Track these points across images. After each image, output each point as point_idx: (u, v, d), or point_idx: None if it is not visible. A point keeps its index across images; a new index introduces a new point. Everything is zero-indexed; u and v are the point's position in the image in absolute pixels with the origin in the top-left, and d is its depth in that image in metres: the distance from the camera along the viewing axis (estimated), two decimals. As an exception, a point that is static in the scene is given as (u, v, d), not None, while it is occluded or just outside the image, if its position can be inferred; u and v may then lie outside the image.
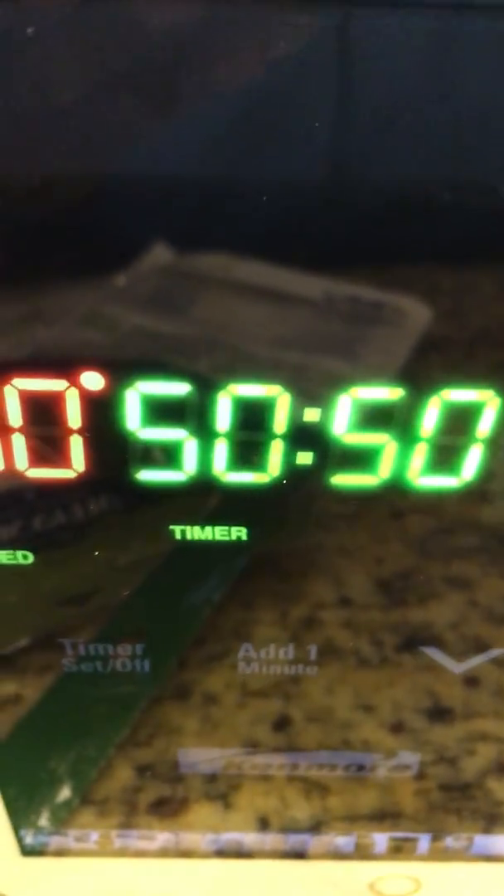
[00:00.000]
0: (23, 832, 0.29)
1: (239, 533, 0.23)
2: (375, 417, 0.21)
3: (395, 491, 0.22)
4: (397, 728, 0.29)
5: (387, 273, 0.20)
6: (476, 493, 0.24)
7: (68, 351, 0.21)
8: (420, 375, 0.21)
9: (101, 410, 0.21)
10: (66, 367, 0.20)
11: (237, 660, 0.27)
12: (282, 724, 0.28)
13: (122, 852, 0.30)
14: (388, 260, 0.20)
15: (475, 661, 0.27)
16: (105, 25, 0.17)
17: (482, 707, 0.29)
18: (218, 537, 0.23)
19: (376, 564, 0.27)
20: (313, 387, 0.21)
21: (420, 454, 0.21)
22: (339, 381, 0.21)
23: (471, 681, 0.28)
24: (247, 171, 0.19)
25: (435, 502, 0.24)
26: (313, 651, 0.27)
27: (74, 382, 0.20)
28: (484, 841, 0.30)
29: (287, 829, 0.29)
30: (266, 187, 0.19)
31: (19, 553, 0.24)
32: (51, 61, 0.18)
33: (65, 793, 0.27)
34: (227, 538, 0.23)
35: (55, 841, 0.30)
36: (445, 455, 0.22)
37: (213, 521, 0.23)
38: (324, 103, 0.18)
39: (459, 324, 0.21)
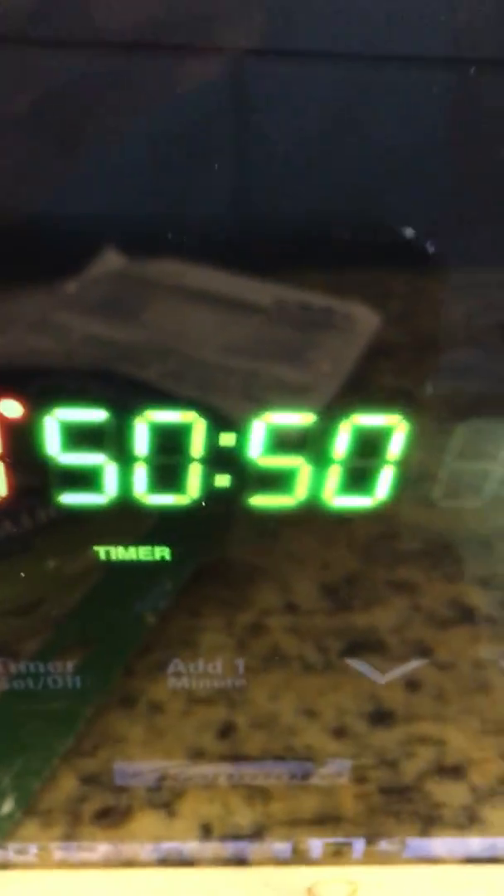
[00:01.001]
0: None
1: (162, 553, 0.24)
2: (289, 441, 0.22)
3: (312, 511, 0.23)
4: (339, 733, 0.29)
5: (335, 279, 0.21)
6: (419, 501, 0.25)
7: (19, 358, 0.22)
8: (332, 402, 0.21)
9: (21, 436, 0.21)
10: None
11: (180, 668, 0.28)
12: (226, 731, 0.29)
13: (64, 863, 0.30)
14: (333, 267, 0.21)
15: (397, 672, 0.28)
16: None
17: (421, 710, 0.30)
18: (142, 557, 0.24)
19: (322, 570, 0.27)
20: (228, 411, 0.21)
21: (334, 476, 0.22)
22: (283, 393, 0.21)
23: (410, 684, 0.29)
24: (160, 205, 0.20)
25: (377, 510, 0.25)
26: (257, 657, 0.28)
27: None
28: (417, 843, 0.31)
29: (228, 835, 0.30)
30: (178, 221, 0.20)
31: None
32: None
33: (8, 805, 0.27)
34: (150, 558, 0.24)
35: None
36: (359, 476, 0.22)
37: (137, 542, 0.23)
38: (223, 145, 0.19)
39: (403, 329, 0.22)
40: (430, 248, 0.19)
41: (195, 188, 0.19)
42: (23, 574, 0.26)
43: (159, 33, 0.17)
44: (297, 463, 0.22)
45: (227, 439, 0.21)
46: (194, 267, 0.21)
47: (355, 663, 0.28)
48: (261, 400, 0.22)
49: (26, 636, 0.27)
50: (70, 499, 0.22)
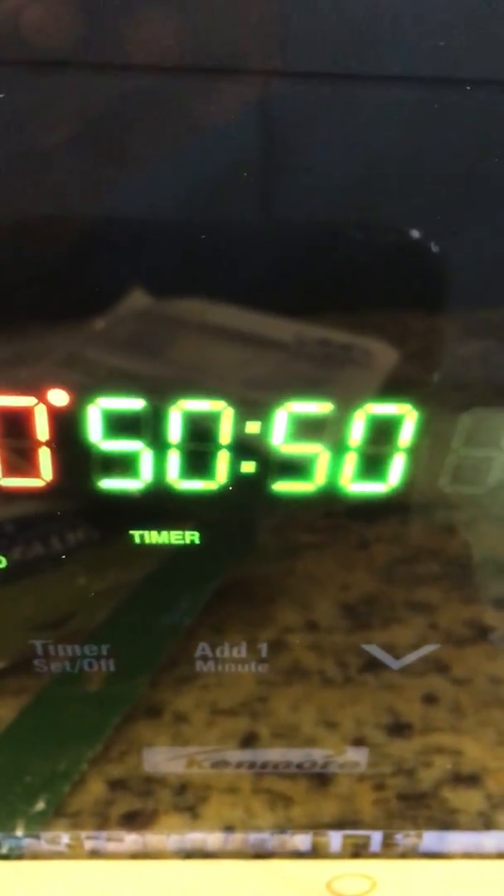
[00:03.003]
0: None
1: (192, 536, 0.25)
2: (309, 429, 0.23)
3: (330, 496, 0.24)
4: (358, 742, 0.31)
5: (355, 317, 0.22)
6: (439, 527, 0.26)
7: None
8: (347, 391, 0.23)
9: (66, 424, 0.23)
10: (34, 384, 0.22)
11: (206, 682, 0.29)
12: (249, 740, 0.30)
13: (93, 855, 0.32)
14: (355, 305, 0.22)
15: (412, 657, 0.29)
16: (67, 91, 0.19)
17: (438, 723, 0.31)
18: (173, 541, 0.25)
19: (342, 591, 0.29)
20: (254, 400, 0.23)
21: (350, 462, 0.24)
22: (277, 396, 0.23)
23: (428, 698, 0.31)
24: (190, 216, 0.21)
25: (398, 532, 0.27)
26: (277, 671, 0.29)
27: (42, 399, 0.22)
28: (433, 838, 0.32)
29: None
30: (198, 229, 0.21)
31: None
32: (26, 119, 0.20)
33: (39, 805, 0.29)
34: (181, 542, 0.25)
35: (29, 844, 0.32)
36: (373, 463, 0.24)
37: (169, 526, 0.25)
38: (251, 156, 0.20)
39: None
40: (434, 248, 0.20)
41: (225, 195, 0.20)
42: (56, 590, 0.28)
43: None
44: (316, 450, 0.23)
45: (252, 427, 0.23)
46: (217, 305, 0.22)
47: (371, 649, 0.29)
48: (252, 407, 0.23)
49: (58, 648, 0.29)
50: (109, 484, 0.24)
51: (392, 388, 0.23)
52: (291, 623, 0.29)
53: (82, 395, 0.22)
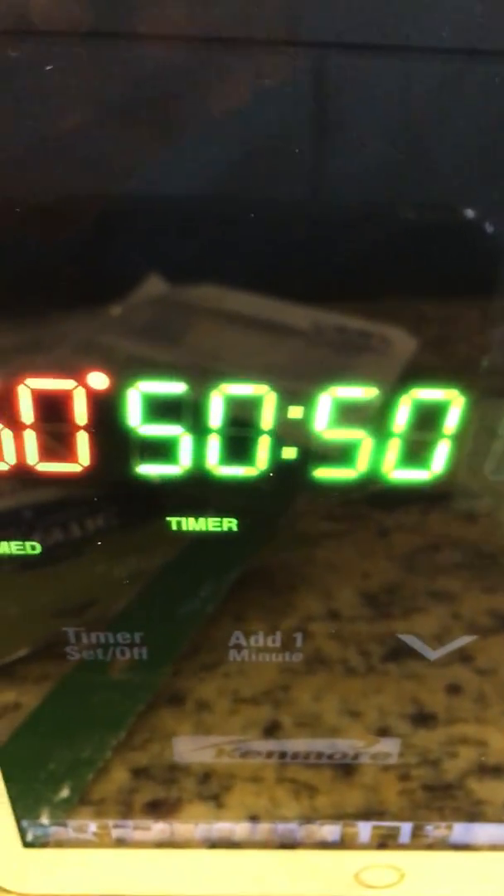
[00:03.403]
0: (25, 824, 0.32)
1: (230, 524, 0.25)
2: (352, 414, 0.23)
3: (372, 484, 0.24)
4: (383, 732, 0.31)
5: (373, 304, 0.22)
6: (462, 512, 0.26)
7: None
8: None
9: (106, 408, 0.22)
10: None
11: (228, 669, 0.29)
12: (271, 729, 0.30)
13: (119, 843, 0.32)
14: (375, 292, 0.22)
15: (449, 647, 0.29)
16: (102, 62, 0.19)
17: (463, 713, 0.31)
18: (210, 528, 0.25)
19: (363, 579, 0.28)
20: (297, 386, 0.22)
21: (393, 449, 0.23)
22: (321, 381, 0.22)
23: (452, 688, 0.30)
24: (236, 196, 0.21)
25: (419, 520, 0.26)
26: (301, 661, 0.29)
27: (81, 382, 0.22)
28: (463, 830, 0.32)
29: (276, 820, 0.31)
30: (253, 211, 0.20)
31: (28, 544, 0.26)
32: (50, 95, 0.19)
33: (64, 792, 0.29)
34: (218, 528, 0.25)
35: (55, 832, 0.32)
36: (417, 450, 0.23)
37: (206, 513, 0.25)
38: (303, 134, 0.19)
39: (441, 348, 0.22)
40: (489, 228, 0.20)
41: (273, 174, 0.20)
42: (79, 575, 0.28)
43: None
44: (359, 436, 0.23)
45: (295, 412, 0.22)
46: (234, 291, 0.21)
47: (408, 639, 0.29)
48: (294, 392, 0.22)
49: (80, 634, 0.29)
50: (147, 469, 0.23)
51: (439, 373, 0.22)
52: (317, 612, 0.29)
53: (122, 378, 0.22)
